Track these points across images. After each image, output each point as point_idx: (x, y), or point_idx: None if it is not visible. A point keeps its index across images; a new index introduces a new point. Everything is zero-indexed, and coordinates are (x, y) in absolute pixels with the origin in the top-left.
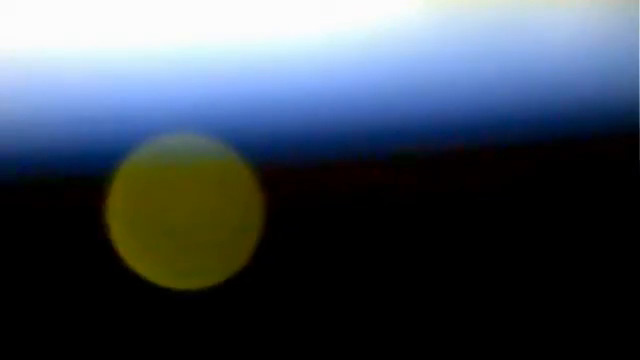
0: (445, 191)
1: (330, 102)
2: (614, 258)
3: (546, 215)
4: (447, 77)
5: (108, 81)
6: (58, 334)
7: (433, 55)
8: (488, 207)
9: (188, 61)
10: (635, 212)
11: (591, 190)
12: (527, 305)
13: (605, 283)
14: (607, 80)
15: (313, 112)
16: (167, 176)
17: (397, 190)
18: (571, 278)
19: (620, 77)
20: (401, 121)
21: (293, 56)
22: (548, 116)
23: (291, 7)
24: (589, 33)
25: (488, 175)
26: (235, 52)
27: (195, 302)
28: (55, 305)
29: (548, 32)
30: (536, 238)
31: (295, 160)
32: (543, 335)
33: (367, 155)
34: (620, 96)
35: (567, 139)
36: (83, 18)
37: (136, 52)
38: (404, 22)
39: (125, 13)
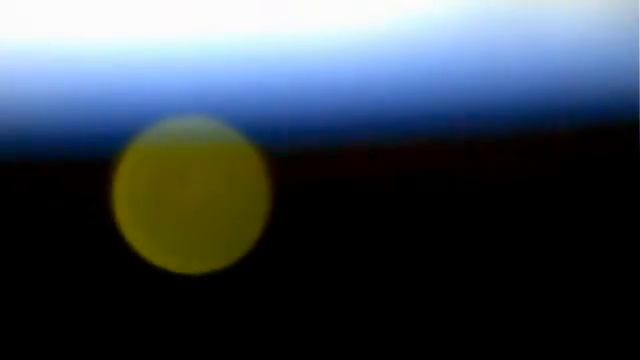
0: (451, 180)
1: (342, 90)
2: (614, 251)
3: (546, 208)
4: (443, 71)
5: (116, 65)
6: (65, 319)
7: (440, 50)
8: (494, 197)
9: (197, 45)
10: (635, 206)
11: (591, 184)
12: (526, 299)
13: (605, 277)
14: (608, 73)
15: (325, 99)
16: (174, 159)
17: (406, 179)
18: (571, 273)
19: (621, 70)
20: (411, 111)
21: (309, 44)
22: (549, 109)
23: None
24: (591, 27)
25: (493, 166)
26: (253, 37)
27: (200, 287)
28: (62, 290)
29: (549, 26)
30: (536, 230)
31: (303, 146)
32: (539, 328)
33: (375, 144)
34: (620, 89)
35: (567, 131)
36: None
37: (143, 35)
38: (421, 16)
39: None
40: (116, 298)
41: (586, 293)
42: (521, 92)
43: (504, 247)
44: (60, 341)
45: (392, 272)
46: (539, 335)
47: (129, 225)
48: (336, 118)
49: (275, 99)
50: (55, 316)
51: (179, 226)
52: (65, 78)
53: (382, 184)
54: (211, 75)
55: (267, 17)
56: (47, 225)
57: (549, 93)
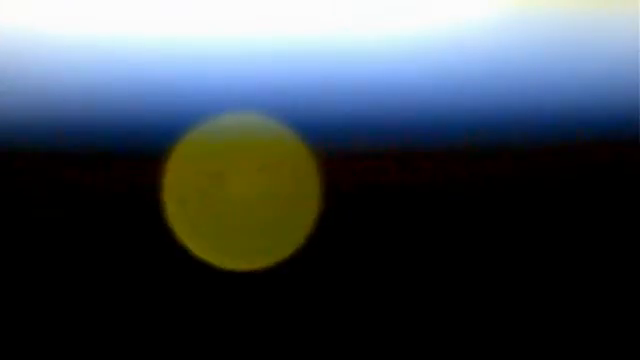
0: (509, 186)
1: (398, 93)
2: (614, 263)
3: (547, 217)
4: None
5: (173, 59)
6: (110, 313)
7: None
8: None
9: (253, 41)
10: (635, 218)
11: (593, 194)
12: (524, 313)
13: (605, 284)
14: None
15: (381, 101)
16: (224, 156)
17: (461, 184)
18: (569, 284)
19: (621, 80)
20: (466, 115)
21: (368, 46)
22: (551, 119)
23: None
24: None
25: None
26: (310, 36)
27: (247, 283)
28: (108, 284)
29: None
30: (536, 241)
31: (356, 147)
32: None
33: (429, 147)
34: (621, 99)
35: (566, 143)
36: None
37: (197, 30)
38: (479, 20)
39: None
40: (164, 292)
41: (584, 304)
42: (526, 103)
43: (502, 257)
44: (103, 334)
45: (450, 277)
46: (537, 341)
47: (177, 219)
48: (392, 119)
49: (333, 99)
50: (103, 308)
51: (227, 222)
52: (122, 70)
53: (436, 189)
54: (267, 72)
55: (326, 17)
56: (95, 217)
57: (552, 102)
